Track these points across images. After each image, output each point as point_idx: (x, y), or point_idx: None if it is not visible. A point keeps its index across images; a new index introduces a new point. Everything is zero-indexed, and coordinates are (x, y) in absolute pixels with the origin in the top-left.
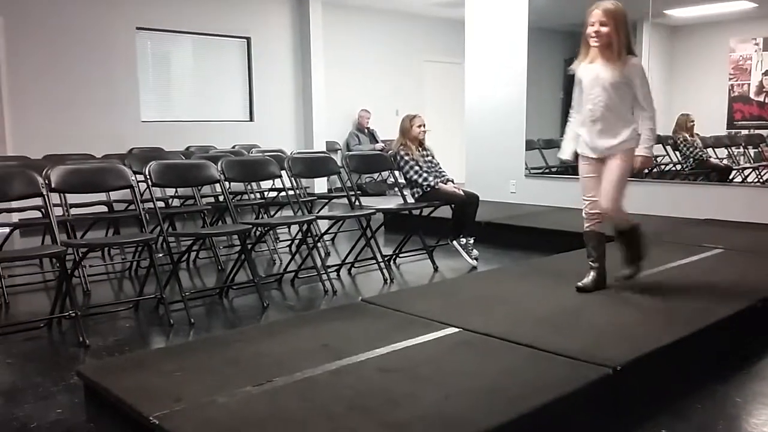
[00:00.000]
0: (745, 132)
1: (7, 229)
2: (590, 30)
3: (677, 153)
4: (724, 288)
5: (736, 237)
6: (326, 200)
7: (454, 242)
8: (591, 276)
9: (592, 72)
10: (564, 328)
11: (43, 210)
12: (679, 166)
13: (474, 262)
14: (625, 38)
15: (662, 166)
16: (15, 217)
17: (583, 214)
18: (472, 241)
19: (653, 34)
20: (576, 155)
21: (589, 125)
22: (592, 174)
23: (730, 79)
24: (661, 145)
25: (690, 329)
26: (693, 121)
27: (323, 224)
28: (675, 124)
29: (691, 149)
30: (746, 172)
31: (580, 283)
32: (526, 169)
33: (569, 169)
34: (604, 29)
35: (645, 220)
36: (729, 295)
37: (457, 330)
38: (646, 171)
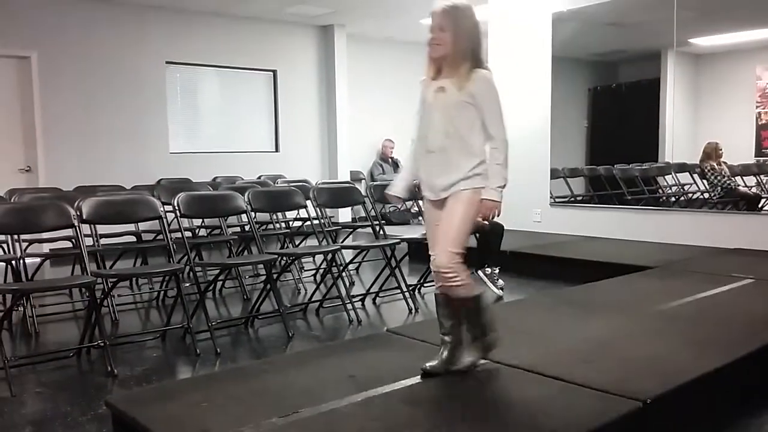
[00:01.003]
0: None
1: (38, 260)
2: (429, 37)
3: (705, 181)
4: (755, 319)
5: (766, 267)
6: (351, 230)
7: (479, 272)
8: (443, 354)
9: (432, 90)
10: (593, 360)
11: (73, 240)
12: (706, 195)
13: (500, 292)
14: (473, 47)
15: (690, 195)
16: (46, 248)
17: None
18: (497, 271)
19: (678, 63)
20: (413, 194)
21: (425, 157)
22: (432, 221)
23: (757, 106)
24: (688, 173)
25: (721, 361)
26: (721, 149)
27: (348, 254)
28: (702, 152)
29: (719, 177)
30: None
31: (427, 365)
32: (551, 197)
33: (595, 198)
34: (443, 35)
35: (672, 249)
36: (760, 326)
37: (483, 361)
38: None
